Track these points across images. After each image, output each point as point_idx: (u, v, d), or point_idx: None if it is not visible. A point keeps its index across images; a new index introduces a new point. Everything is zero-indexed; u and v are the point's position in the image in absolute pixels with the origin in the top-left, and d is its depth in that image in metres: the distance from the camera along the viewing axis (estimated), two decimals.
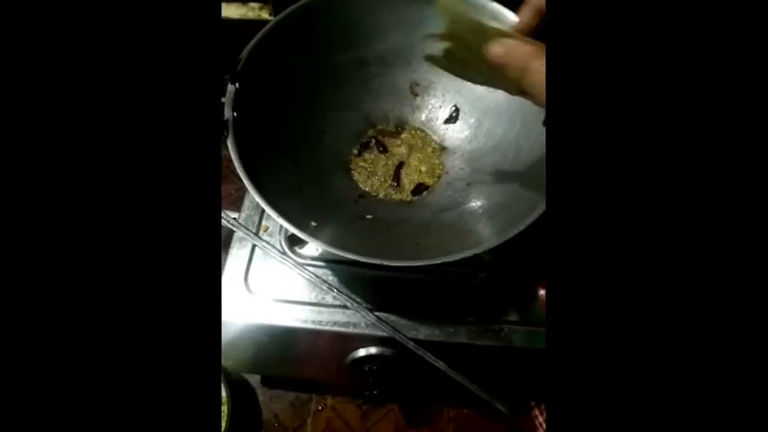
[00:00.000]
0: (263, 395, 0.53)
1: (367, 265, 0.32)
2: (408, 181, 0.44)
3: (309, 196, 0.38)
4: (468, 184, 0.42)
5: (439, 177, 0.43)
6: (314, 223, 0.34)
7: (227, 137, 0.34)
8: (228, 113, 0.34)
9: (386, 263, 0.31)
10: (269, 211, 0.31)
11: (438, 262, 0.31)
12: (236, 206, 0.49)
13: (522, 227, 0.32)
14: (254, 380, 0.53)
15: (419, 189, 0.43)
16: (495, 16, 0.40)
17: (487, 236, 0.34)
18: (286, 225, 0.31)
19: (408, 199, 0.43)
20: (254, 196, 0.32)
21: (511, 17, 0.38)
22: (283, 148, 0.40)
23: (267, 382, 0.53)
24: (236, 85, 0.36)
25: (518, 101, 0.41)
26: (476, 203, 0.39)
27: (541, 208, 0.32)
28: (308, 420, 0.51)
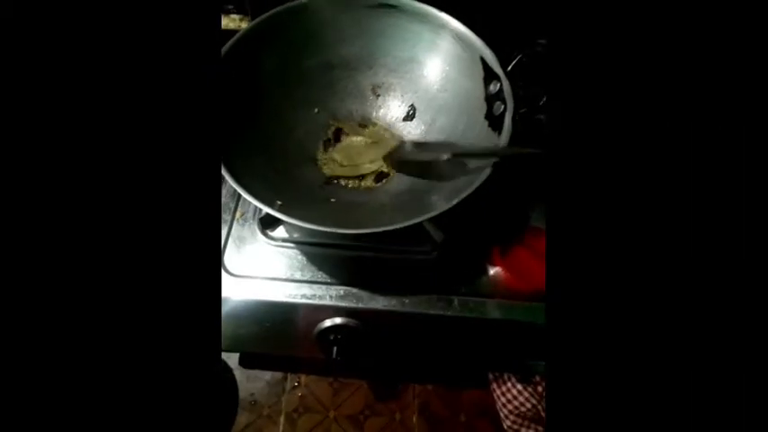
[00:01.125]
0: (240, 375, 0.56)
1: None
2: (371, 169, 0.49)
3: (279, 183, 0.43)
4: (423, 173, 0.47)
5: None
6: (279, 202, 0.38)
7: None
8: None
9: (344, 231, 0.36)
10: (241, 192, 0.36)
11: (391, 228, 0.35)
12: None
13: (468, 191, 0.37)
14: (233, 361, 0.57)
15: (380, 176, 0.48)
16: (443, 25, 0.46)
17: (436, 203, 0.39)
18: (255, 202, 0.36)
19: (371, 186, 0.48)
20: (229, 182, 0.37)
21: (474, 40, 0.45)
22: (256, 141, 0.44)
23: (245, 362, 0.56)
24: None
25: (463, 101, 0.47)
26: (430, 191, 0.44)
27: (485, 174, 0.37)
28: (283, 398, 0.55)
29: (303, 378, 0.58)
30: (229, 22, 0.67)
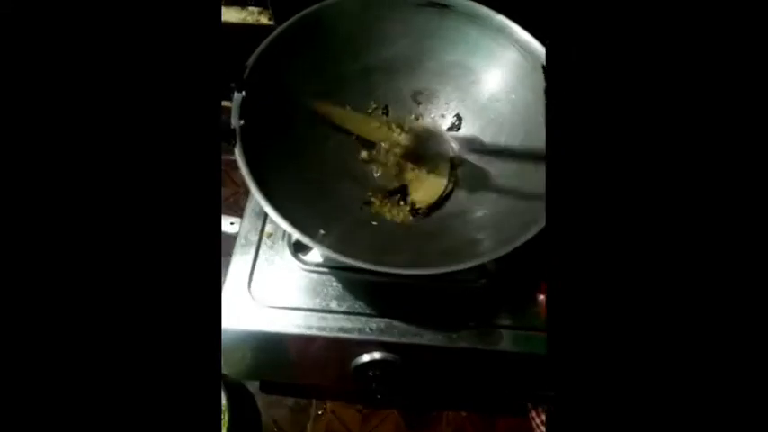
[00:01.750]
0: (261, 401, 0.53)
1: (371, 271, 0.32)
2: (417, 199, 0.44)
3: (315, 202, 0.39)
4: (472, 192, 0.43)
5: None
6: (322, 231, 0.34)
7: (234, 145, 0.34)
8: (235, 122, 0.34)
9: (391, 271, 0.32)
10: (280, 221, 0.31)
11: (442, 271, 0.31)
12: (234, 210, 0.49)
13: (523, 240, 0.33)
14: (253, 386, 0.53)
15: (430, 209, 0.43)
16: (501, 29, 0.41)
17: (490, 246, 0.35)
18: (297, 235, 0.32)
19: (406, 220, 0.43)
20: (265, 208, 0.32)
21: (534, 45, 0.40)
22: (289, 154, 0.40)
23: (266, 387, 0.53)
24: (243, 92, 0.36)
25: (521, 114, 0.42)
26: (480, 213, 0.40)
27: (542, 223, 0.33)
28: (308, 425, 0.51)
29: (329, 404, 0.54)
30: (247, 15, 0.62)
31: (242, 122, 0.35)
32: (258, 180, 0.33)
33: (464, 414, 0.54)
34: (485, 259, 0.33)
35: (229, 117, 0.35)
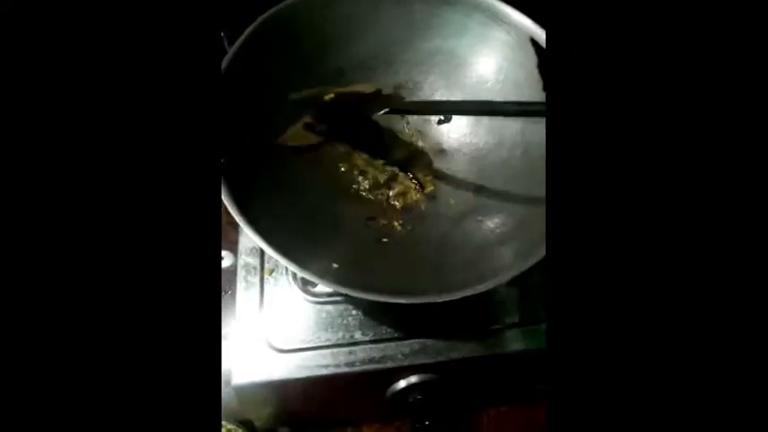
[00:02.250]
0: None
1: None
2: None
3: (316, 232, 0.35)
4: (480, 187, 0.39)
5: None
6: (335, 265, 0.30)
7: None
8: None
9: (416, 301, 0.29)
10: (288, 264, 0.28)
11: (464, 295, 0.29)
12: (227, 247, 0.45)
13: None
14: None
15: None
16: (477, 5, 0.38)
17: (511, 256, 0.32)
18: (311, 277, 0.28)
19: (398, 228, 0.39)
20: (266, 250, 0.28)
21: (516, 17, 0.37)
22: (276, 182, 0.36)
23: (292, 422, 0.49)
24: None
25: (513, 94, 0.39)
26: (493, 209, 0.37)
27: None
28: None
29: (365, 429, 0.51)
30: None
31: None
32: (250, 218, 0.29)
33: (503, 410, 0.52)
34: (508, 276, 0.30)
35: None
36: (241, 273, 0.39)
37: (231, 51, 0.35)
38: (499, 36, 0.39)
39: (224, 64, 0.34)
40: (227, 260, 0.45)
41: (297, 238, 0.32)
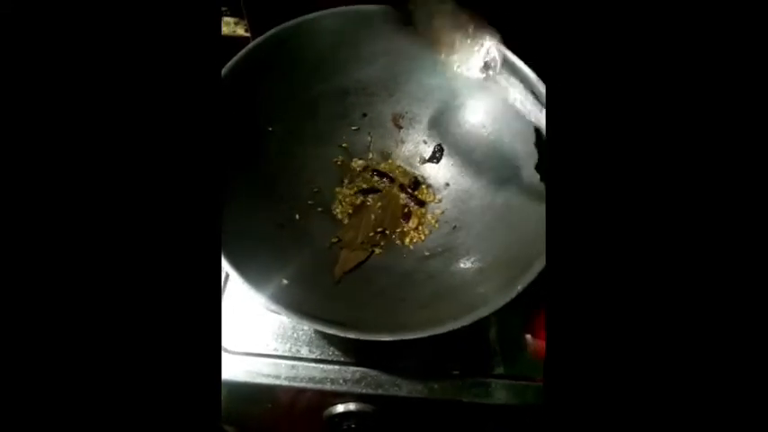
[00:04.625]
0: None
1: None
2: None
3: (282, 244, 0.35)
4: (455, 227, 0.39)
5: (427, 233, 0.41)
6: (285, 281, 0.31)
7: None
8: None
9: (363, 337, 0.29)
10: (233, 273, 0.28)
11: (428, 335, 0.28)
12: None
13: (522, 285, 0.30)
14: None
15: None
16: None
17: (482, 293, 0.32)
18: (250, 290, 0.28)
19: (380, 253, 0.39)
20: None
21: (525, 71, 0.37)
22: (257, 188, 0.36)
23: None
24: None
25: (509, 143, 0.39)
26: (464, 251, 0.37)
27: (540, 264, 0.30)
28: None
29: None
30: (223, 26, 0.58)
31: None
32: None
33: None
34: (473, 317, 0.29)
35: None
36: None
37: (235, 59, 0.36)
38: (504, 84, 0.39)
39: (229, 65, 0.35)
40: None
41: (257, 249, 0.32)
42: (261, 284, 0.29)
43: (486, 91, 0.40)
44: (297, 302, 0.29)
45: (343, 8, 0.39)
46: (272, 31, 0.37)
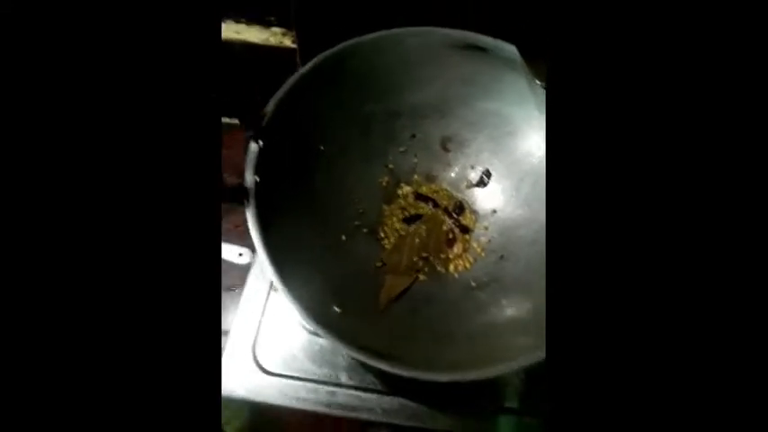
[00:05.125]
0: None
1: None
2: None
3: (330, 267, 0.35)
4: (502, 257, 0.38)
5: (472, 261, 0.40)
6: (336, 308, 0.30)
7: (247, 205, 0.30)
8: (250, 178, 0.31)
9: (405, 374, 0.28)
10: (290, 302, 0.28)
11: (482, 377, 0.27)
12: (243, 240, 0.45)
13: None
14: None
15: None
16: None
17: (521, 342, 0.31)
18: (306, 321, 0.28)
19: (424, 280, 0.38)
20: (275, 282, 0.28)
21: None
22: (306, 207, 0.36)
23: None
24: (260, 142, 0.32)
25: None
26: (512, 283, 0.36)
27: None
28: None
29: None
30: (270, 36, 0.58)
31: (257, 179, 0.31)
32: (270, 247, 0.30)
33: None
34: (538, 357, 0.28)
35: (242, 173, 0.31)
36: (253, 273, 0.40)
37: (292, 80, 0.35)
38: None
39: (281, 93, 0.34)
40: (245, 257, 0.46)
41: (310, 276, 0.32)
42: (311, 310, 0.28)
43: (538, 117, 0.39)
44: (345, 331, 0.29)
45: (399, 30, 0.39)
46: (319, 58, 0.37)
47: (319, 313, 0.29)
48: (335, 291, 0.32)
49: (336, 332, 0.28)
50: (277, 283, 0.28)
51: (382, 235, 0.40)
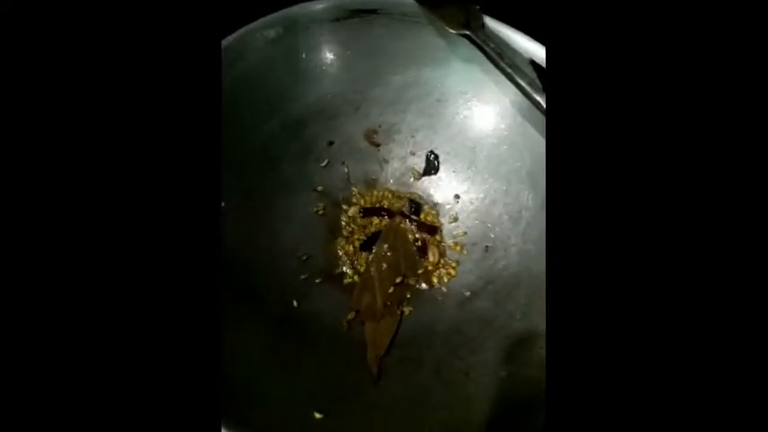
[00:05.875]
0: None
1: None
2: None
3: (292, 356, 0.26)
4: (487, 248, 0.32)
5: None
6: (317, 414, 0.22)
7: None
8: None
9: None
10: None
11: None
12: None
13: None
14: None
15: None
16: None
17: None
18: None
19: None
20: None
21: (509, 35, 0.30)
22: (233, 289, 0.27)
23: None
24: None
25: (517, 131, 0.32)
26: (511, 276, 0.29)
27: None
28: None
29: None
30: None
31: None
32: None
33: None
34: None
35: None
36: None
37: None
38: (480, 57, 0.31)
39: None
40: None
41: (261, 377, 0.23)
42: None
43: (463, 71, 0.32)
44: None
45: (256, 24, 0.29)
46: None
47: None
48: (308, 390, 0.24)
49: None
50: None
51: (342, 276, 0.32)
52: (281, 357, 0.25)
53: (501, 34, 0.30)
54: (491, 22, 0.30)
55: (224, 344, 0.23)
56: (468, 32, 0.29)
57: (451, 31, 0.30)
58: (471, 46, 0.30)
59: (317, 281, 0.31)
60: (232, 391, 0.21)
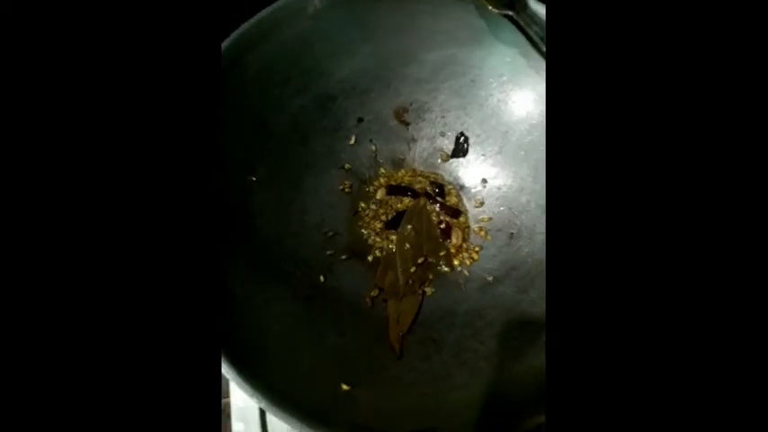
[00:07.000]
0: None
1: None
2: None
3: (318, 330, 0.27)
4: (511, 235, 0.32)
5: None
6: (345, 386, 0.23)
7: None
8: None
9: None
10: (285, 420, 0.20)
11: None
12: None
13: None
14: None
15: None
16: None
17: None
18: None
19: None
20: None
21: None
22: (262, 260, 0.28)
23: None
24: None
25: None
26: (535, 265, 0.30)
27: None
28: None
29: None
30: None
31: None
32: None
33: None
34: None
35: None
36: None
37: None
38: (517, 40, 0.30)
39: None
40: None
41: (291, 356, 0.24)
42: (313, 413, 0.21)
43: (500, 52, 0.31)
44: (367, 415, 0.22)
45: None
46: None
47: (326, 410, 0.21)
48: (336, 361, 0.25)
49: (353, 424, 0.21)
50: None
51: (367, 253, 0.32)
52: (308, 331, 0.26)
53: (544, 18, 0.29)
54: (535, 5, 0.29)
55: (254, 315, 0.24)
56: (511, 13, 0.29)
57: (494, 10, 0.29)
58: (512, 28, 0.29)
59: (342, 257, 0.31)
60: (264, 362, 0.22)
